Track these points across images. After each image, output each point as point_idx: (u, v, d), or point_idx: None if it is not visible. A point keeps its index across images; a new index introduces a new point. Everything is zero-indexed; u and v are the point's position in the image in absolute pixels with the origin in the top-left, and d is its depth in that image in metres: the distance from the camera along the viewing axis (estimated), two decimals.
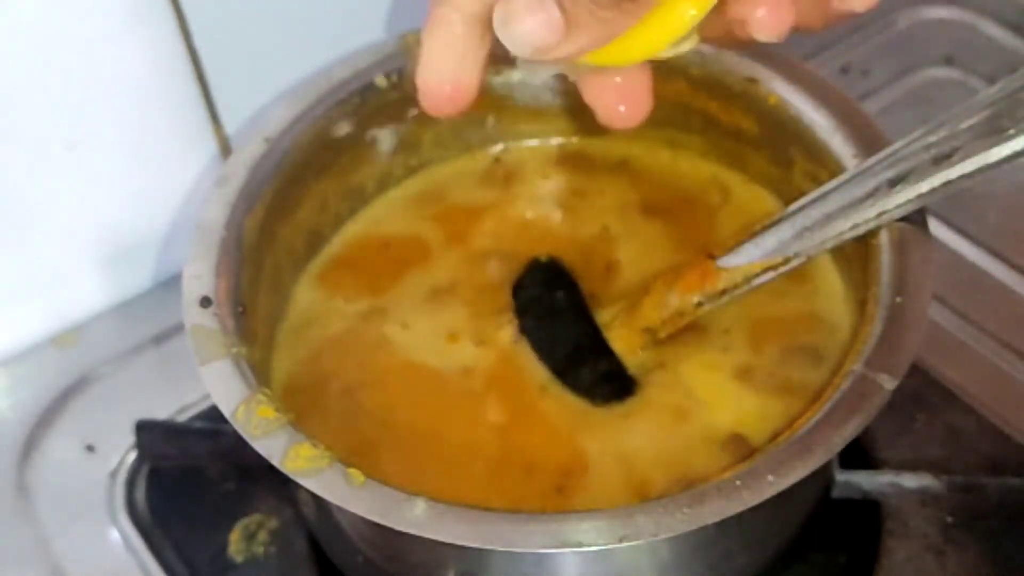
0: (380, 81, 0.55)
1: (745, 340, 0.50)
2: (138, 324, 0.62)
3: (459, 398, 0.50)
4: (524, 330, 0.52)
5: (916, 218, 0.47)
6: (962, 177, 0.44)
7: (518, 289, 0.53)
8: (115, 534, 0.55)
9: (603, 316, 0.52)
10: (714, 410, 0.48)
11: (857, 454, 0.53)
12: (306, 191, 0.54)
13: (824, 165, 0.51)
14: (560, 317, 0.52)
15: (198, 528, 0.55)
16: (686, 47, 0.43)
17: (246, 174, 0.51)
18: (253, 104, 0.60)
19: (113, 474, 0.57)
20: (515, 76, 0.57)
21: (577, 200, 0.57)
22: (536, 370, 0.51)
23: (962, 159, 0.44)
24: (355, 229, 0.56)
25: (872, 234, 0.47)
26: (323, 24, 0.60)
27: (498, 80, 0.57)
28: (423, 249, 0.55)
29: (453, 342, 0.52)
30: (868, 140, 0.50)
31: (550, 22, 0.39)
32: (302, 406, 0.49)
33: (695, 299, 0.49)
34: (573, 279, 0.53)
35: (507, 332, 0.52)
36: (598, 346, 0.51)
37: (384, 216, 0.57)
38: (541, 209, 0.57)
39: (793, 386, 0.49)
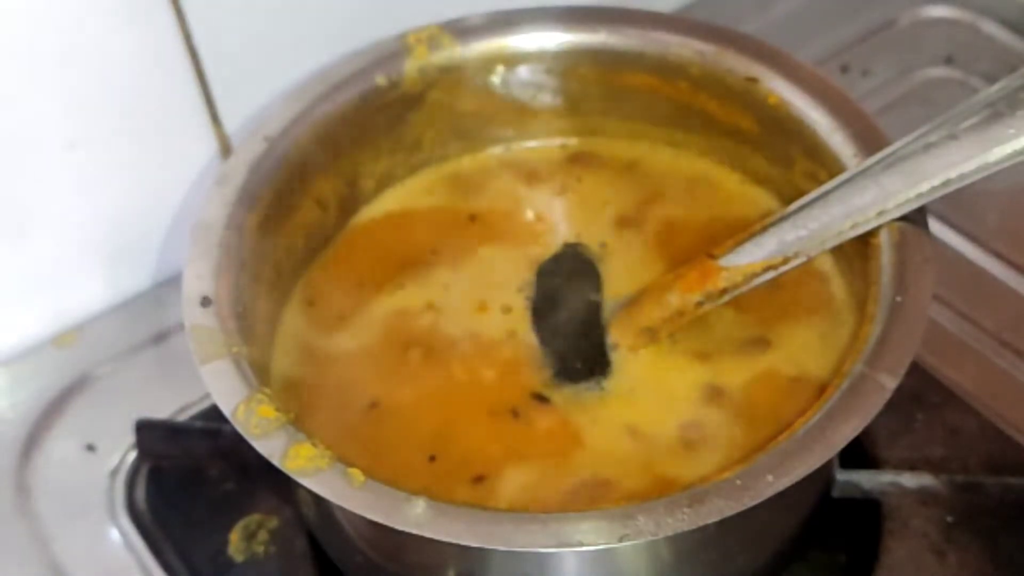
0: (380, 81, 0.55)
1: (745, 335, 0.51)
2: (138, 324, 0.62)
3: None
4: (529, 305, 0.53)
5: (916, 218, 0.47)
6: (962, 177, 0.44)
7: (542, 269, 0.54)
8: (115, 534, 0.55)
9: (605, 314, 0.52)
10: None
11: (857, 454, 0.53)
12: (306, 191, 0.54)
13: (824, 165, 0.51)
14: (567, 298, 0.53)
15: (198, 528, 0.55)
16: None
17: (246, 174, 0.51)
18: (253, 104, 0.60)
19: (113, 474, 0.57)
20: (516, 76, 0.57)
21: (577, 200, 0.57)
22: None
23: (962, 159, 0.44)
24: (355, 228, 0.56)
25: (872, 234, 0.47)
26: (323, 24, 0.60)
27: (499, 80, 0.57)
28: (423, 248, 0.55)
29: (483, 310, 0.53)
30: (868, 140, 0.50)
31: None
32: (302, 404, 0.49)
33: (695, 298, 0.49)
34: (596, 268, 0.54)
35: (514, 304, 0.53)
36: (588, 328, 0.51)
37: (384, 216, 0.57)
38: (541, 209, 0.57)
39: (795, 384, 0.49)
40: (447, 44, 0.56)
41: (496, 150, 0.59)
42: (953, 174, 0.44)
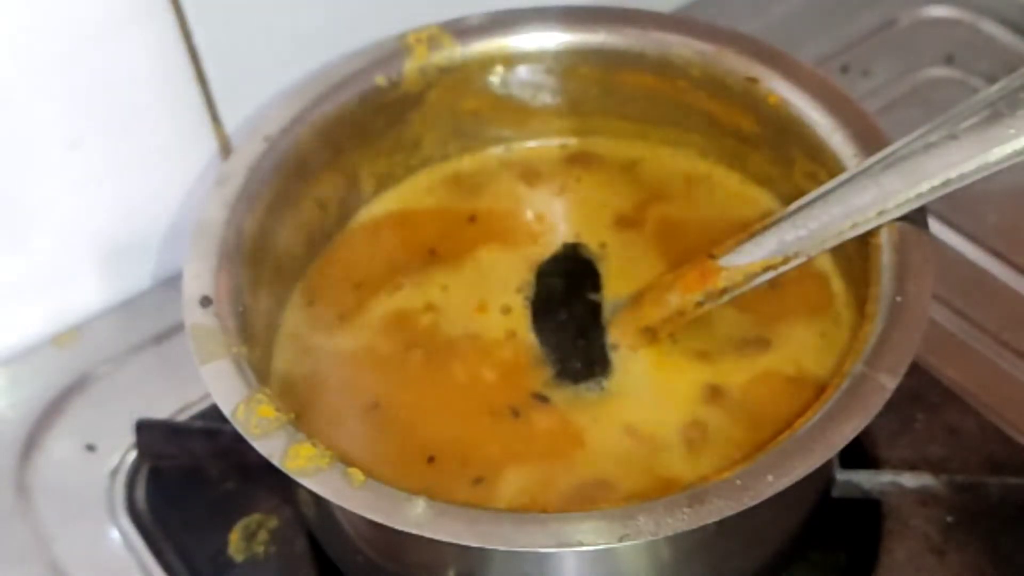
0: (380, 81, 0.55)
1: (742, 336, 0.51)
2: (138, 324, 0.62)
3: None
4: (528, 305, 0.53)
5: (916, 218, 0.47)
6: (962, 177, 0.44)
7: (542, 270, 0.54)
8: (115, 534, 0.55)
9: (605, 314, 0.52)
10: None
11: (857, 454, 0.53)
12: (306, 191, 0.54)
13: (824, 165, 0.51)
14: (567, 298, 0.53)
15: (198, 528, 0.55)
16: None
17: (246, 174, 0.51)
18: (253, 104, 0.60)
19: (113, 474, 0.57)
20: (515, 76, 0.57)
21: (577, 200, 0.57)
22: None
23: (962, 159, 0.44)
24: (355, 228, 0.56)
25: (872, 234, 0.47)
26: (323, 24, 0.60)
27: (499, 80, 0.57)
28: (423, 249, 0.55)
29: (483, 311, 0.53)
30: (868, 140, 0.50)
31: None
32: (301, 404, 0.49)
33: (695, 298, 0.49)
34: (595, 268, 0.54)
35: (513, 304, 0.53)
36: (588, 328, 0.52)
37: (384, 215, 0.57)
38: (541, 209, 0.57)
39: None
40: (447, 44, 0.56)
41: (496, 150, 0.59)
42: (953, 174, 0.44)
